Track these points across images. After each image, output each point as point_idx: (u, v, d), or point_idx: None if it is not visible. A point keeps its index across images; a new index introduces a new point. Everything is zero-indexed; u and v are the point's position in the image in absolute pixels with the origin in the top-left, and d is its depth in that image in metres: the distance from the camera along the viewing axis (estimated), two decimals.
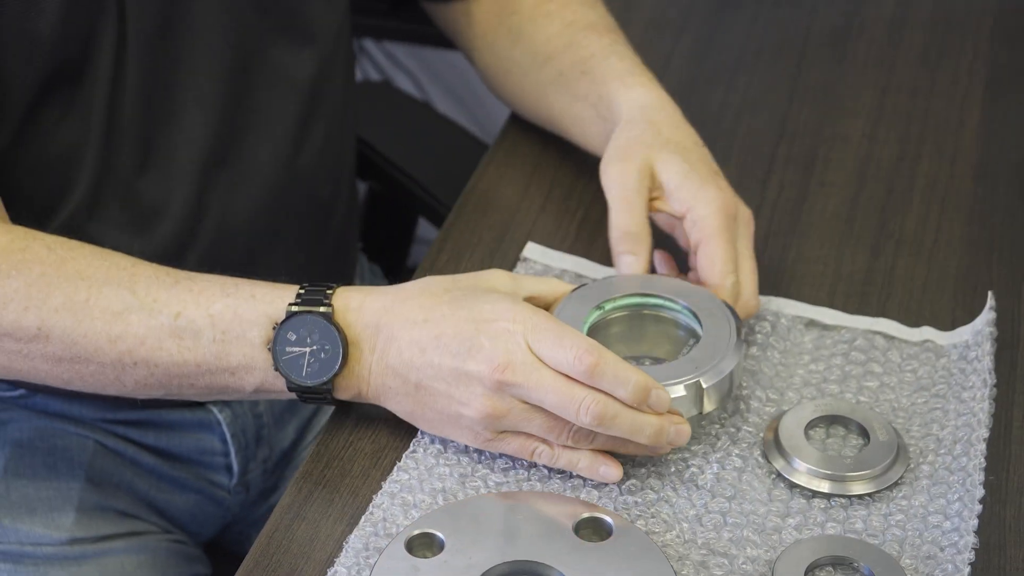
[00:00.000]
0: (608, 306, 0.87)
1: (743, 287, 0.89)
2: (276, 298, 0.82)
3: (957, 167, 1.11)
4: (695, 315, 0.85)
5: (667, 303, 0.87)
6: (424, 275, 0.97)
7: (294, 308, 0.81)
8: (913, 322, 0.94)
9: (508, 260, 0.99)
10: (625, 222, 0.91)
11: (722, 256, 0.88)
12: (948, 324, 0.93)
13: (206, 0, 0.94)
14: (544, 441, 0.80)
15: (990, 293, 0.93)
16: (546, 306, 0.86)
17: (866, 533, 0.78)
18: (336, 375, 0.80)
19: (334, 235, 1.12)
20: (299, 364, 0.80)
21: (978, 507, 0.79)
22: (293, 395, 0.82)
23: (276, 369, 0.81)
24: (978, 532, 0.77)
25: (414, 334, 0.80)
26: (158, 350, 0.82)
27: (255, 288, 0.83)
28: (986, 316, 0.91)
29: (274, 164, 1.02)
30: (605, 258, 0.98)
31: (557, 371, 0.77)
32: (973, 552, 0.76)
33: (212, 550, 1.11)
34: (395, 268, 1.28)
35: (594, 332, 0.85)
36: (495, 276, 0.85)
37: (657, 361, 0.89)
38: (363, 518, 0.79)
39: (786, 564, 0.74)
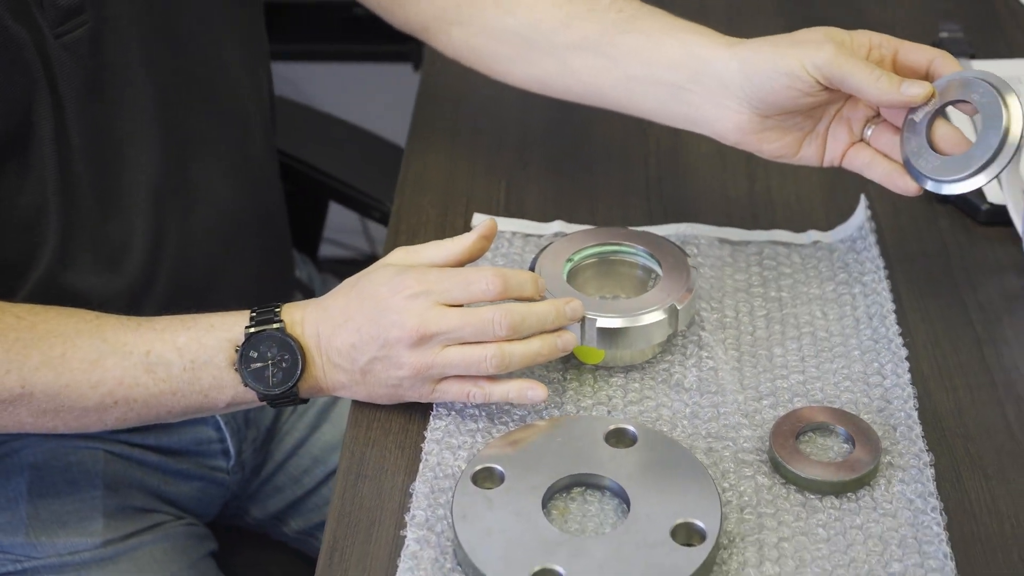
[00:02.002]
0: (576, 257, 0.96)
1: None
2: (233, 324, 0.88)
3: None
4: (652, 256, 0.96)
5: (627, 249, 0.97)
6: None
7: (251, 330, 0.87)
8: (799, 229, 1.07)
9: (458, 230, 1.07)
10: (871, 66, 0.88)
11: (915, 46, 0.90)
12: (827, 227, 1.07)
13: (127, 53, 0.96)
14: (475, 383, 0.86)
15: (863, 195, 1.07)
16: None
17: (826, 400, 0.90)
18: (298, 380, 0.87)
19: (277, 239, 1.17)
20: (264, 376, 0.87)
21: (906, 364, 0.92)
22: (263, 403, 0.89)
23: (245, 385, 0.87)
24: (912, 383, 0.91)
25: (342, 335, 0.86)
26: (135, 387, 0.87)
27: (211, 319, 0.89)
28: (863, 212, 1.05)
29: (220, 186, 1.06)
30: (541, 216, 1.08)
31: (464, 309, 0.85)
32: (914, 401, 0.90)
33: (212, 527, 1.16)
34: (314, 250, 1.34)
35: (570, 279, 0.95)
36: (394, 254, 0.90)
37: (628, 298, 0.97)
38: (420, 466, 0.86)
39: (779, 429, 0.86)
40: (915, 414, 0.88)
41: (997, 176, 0.87)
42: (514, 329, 0.85)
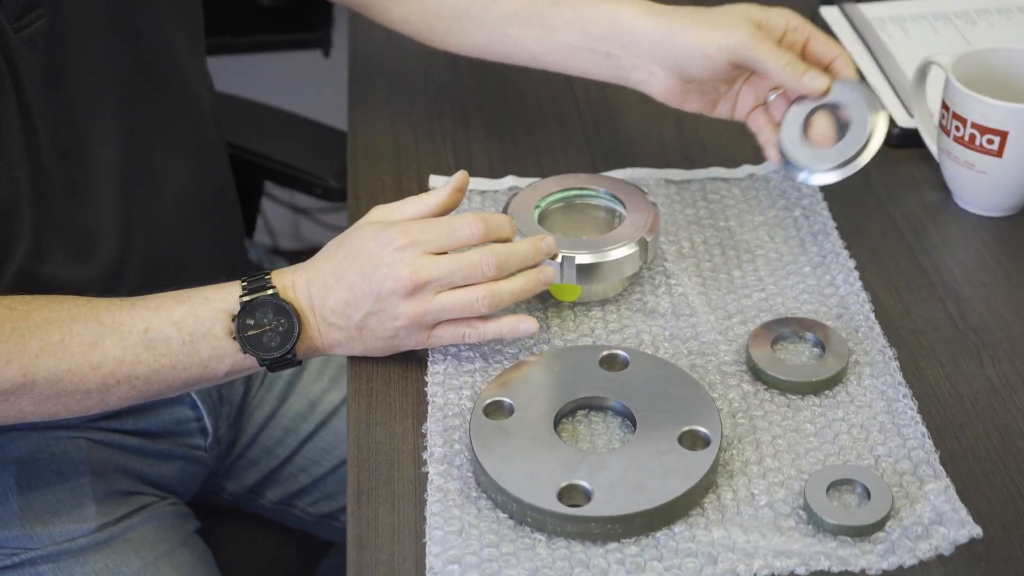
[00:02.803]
0: (543, 203, 1.00)
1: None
2: (226, 295, 0.89)
3: None
4: (615, 197, 1.00)
5: (591, 192, 1.01)
6: (352, 223, 1.08)
7: (245, 299, 0.88)
8: (733, 165, 1.13)
9: (416, 192, 1.10)
10: (780, 51, 0.96)
11: (825, 40, 0.98)
12: (757, 161, 1.13)
13: (85, 45, 0.97)
14: (469, 324, 0.89)
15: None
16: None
17: (788, 312, 0.96)
18: (297, 341, 0.88)
19: (233, 220, 1.18)
20: (263, 341, 0.88)
21: (856, 273, 0.99)
22: (263, 368, 0.90)
23: (244, 352, 0.88)
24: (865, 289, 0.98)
25: (335, 294, 0.88)
26: (136, 364, 0.88)
27: (204, 292, 0.90)
28: None
29: (180, 171, 1.07)
30: (492, 173, 1.12)
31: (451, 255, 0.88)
32: (870, 304, 0.97)
33: (190, 506, 1.17)
34: (250, 233, 1.36)
35: (540, 224, 0.99)
36: (372, 213, 0.92)
37: (599, 236, 1.00)
38: (428, 408, 0.89)
39: (755, 340, 0.92)
40: (872, 316, 0.95)
41: (844, 177, 0.98)
42: (500, 268, 0.88)
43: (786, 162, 0.98)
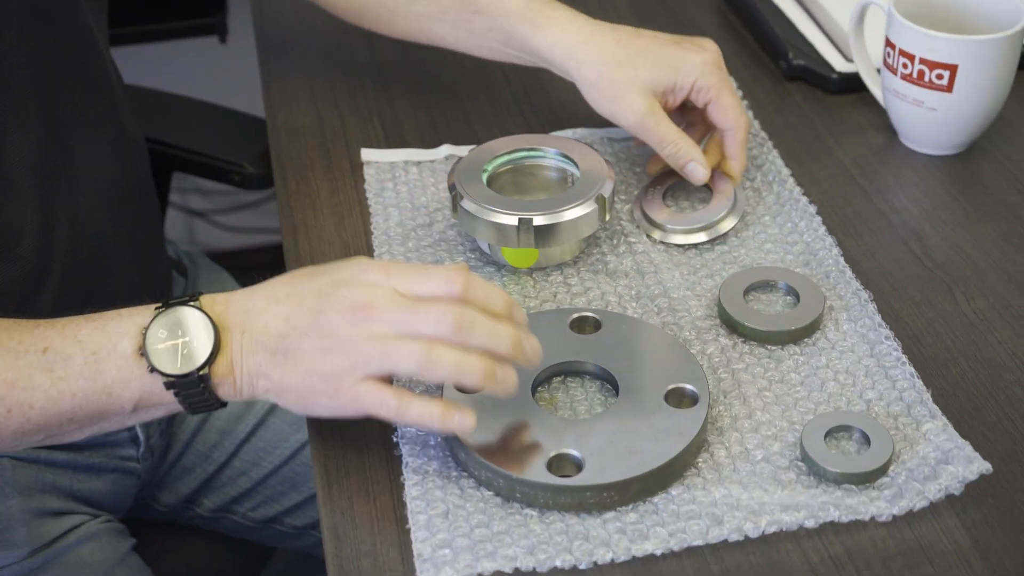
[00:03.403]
0: (491, 167, 0.95)
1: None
2: (143, 310, 0.77)
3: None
4: (567, 156, 0.95)
5: (539, 152, 0.96)
6: (283, 204, 1.02)
7: (161, 308, 0.76)
8: None
9: (347, 169, 1.04)
10: (669, 138, 0.95)
11: (724, 110, 0.96)
12: None
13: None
14: (395, 394, 0.74)
15: (730, 77, 1.10)
16: None
17: (755, 262, 0.93)
18: (211, 361, 0.74)
19: (154, 213, 1.11)
20: (172, 357, 0.74)
21: (818, 218, 0.96)
22: (174, 401, 0.76)
23: (151, 371, 0.74)
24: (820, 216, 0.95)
25: (278, 308, 0.75)
26: (30, 389, 0.75)
27: (121, 310, 0.78)
28: None
29: (101, 162, 0.99)
30: (426, 143, 1.06)
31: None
32: (837, 249, 0.94)
33: (124, 520, 1.09)
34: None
35: (490, 187, 0.94)
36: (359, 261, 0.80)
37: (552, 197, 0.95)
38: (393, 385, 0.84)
39: (726, 292, 0.88)
40: (842, 260, 0.92)
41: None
42: (458, 329, 0.73)
43: (649, 219, 0.96)
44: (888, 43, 1.02)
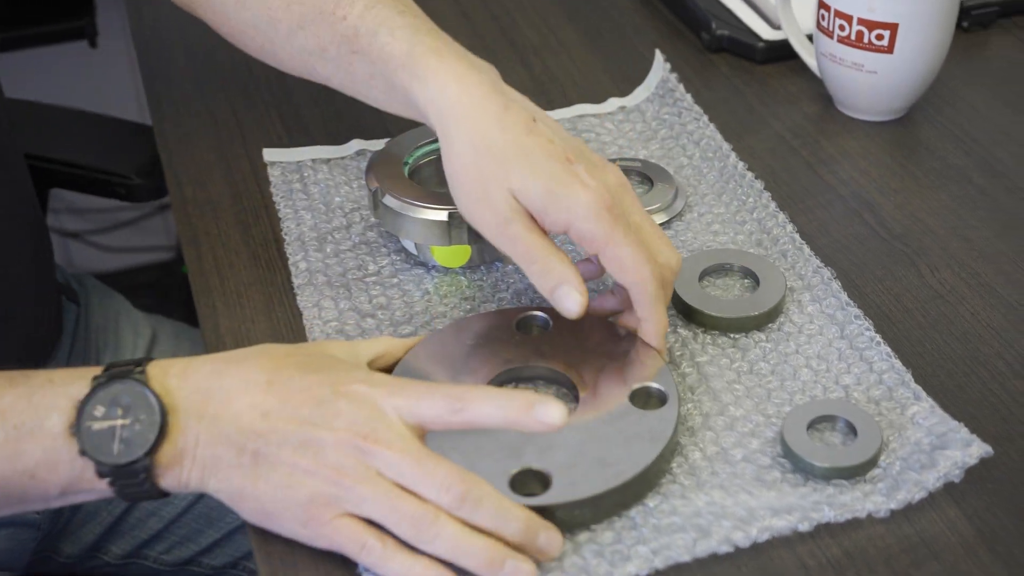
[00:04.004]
0: (411, 159, 0.87)
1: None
2: (78, 377, 0.66)
3: None
4: None
5: None
6: (180, 213, 0.92)
7: (100, 379, 0.65)
8: (598, 100, 1.02)
9: (249, 170, 0.95)
10: (535, 254, 0.73)
11: (629, 254, 0.72)
12: (622, 92, 1.03)
13: None
14: (379, 537, 0.64)
15: (657, 51, 1.04)
16: (390, 363, 0.74)
17: (704, 245, 0.86)
18: (155, 448, 0.64)
19: (41, 236, 1.00)
20: (108, 441, 0.63)
21: (767, 194, 0.90)
22: (106, 487, 0.65)
23: (83, 454, 0.64)
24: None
25: (256, 398, 0.65)
26: None
27: (52, 374, 0.67)
28: (661, 67, 1.02)
29: None
30: (334, 139, 0.98)
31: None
32: (792, 225, 0.87)
33: None
34: None
35: (412, 179, 0.85)
36: (330, 345, 0.72)
37: None
38: None
39: (680, 279, 0.81)
40: (798, 237, 0.86)
41: None
42: (462, 501, 0.63)
43: None
44: (822, 5, 0.96)
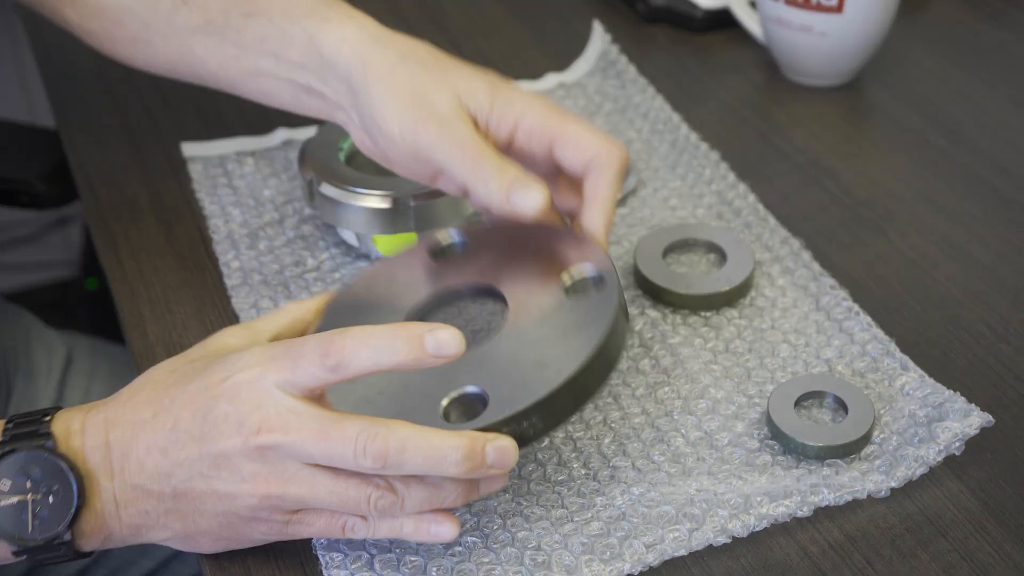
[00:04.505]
0: (346, 145, 0.81)
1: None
2: None
3: None
4: None
5: None
6: (94, 218, 0.86)
7: (4, 446, 0.59)
8: (535, 76, 0.97)
9: (167, 168, 0.88)
10: (487, 165, 0.66)
11: (588, 130, 0.68)
12: (560, 67, 0.98)
13: None
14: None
15: (596, 21, 0.99)
16: (301, 331, 0.67)
17: (664, 220, 0.82)
18: (74, 520, 0.58)
19: None
20: (21, 519, 0.58)
21: (725, 164, 0.86)
22: (18, 561, 0.60)
23: None
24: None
25: (148, 437, 0.59)
26: None
27: None
28: (601, 39, 0.97)
29: None
30: (256, 129, 0.91)
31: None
32: (754, 196, 0.83)
33: None
34: None
35: (349, 165, 0.80)
36: (225, 335, 0.65)
37: None
38: None
39: (643, 257, 0.77)
40: (761, 207, 0.82)
41: None
42: (384, 459, 0.56)
43: None
44: None
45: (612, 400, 0.69)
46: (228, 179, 0.86)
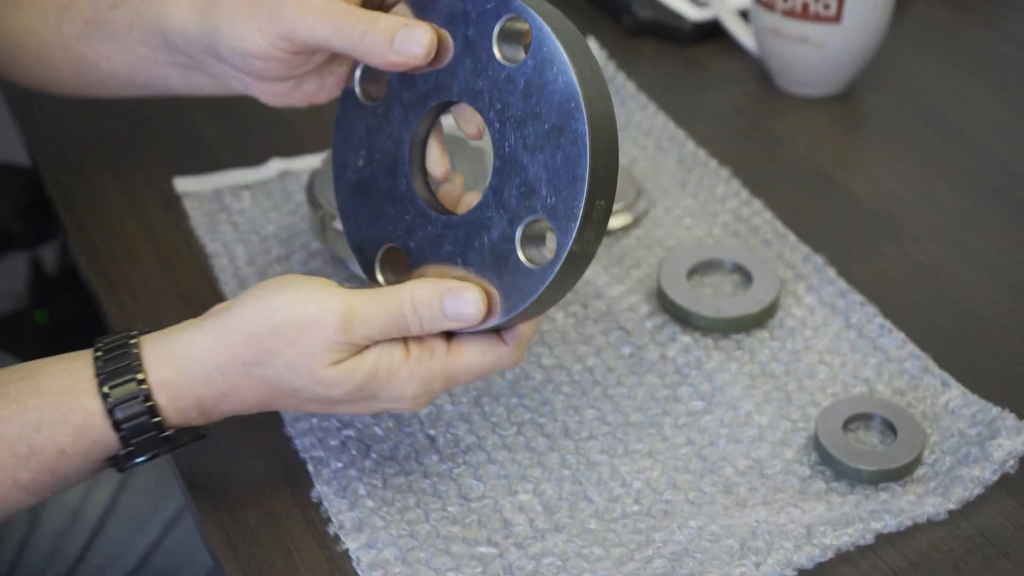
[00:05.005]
0: None
1: None
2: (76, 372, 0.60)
3: None
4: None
5: None
6: (89, 261, 0.82)
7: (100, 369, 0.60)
8: None
9: (160, 204, 0.85)
10: (366, 23, 0.61)
11: None
12: None
13: None
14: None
15: (590, 36, 0.98)
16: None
17: (680, 241, 0.81)
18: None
19: None
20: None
21: (736, 180, 0.85)
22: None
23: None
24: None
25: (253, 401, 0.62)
26: None
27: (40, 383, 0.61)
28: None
29: None
30: (250, 160, 0.88)
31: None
32: (770, 212, 0.83)
33: None
34: None
35: None
36: (287, 294, 0.61)
37: None
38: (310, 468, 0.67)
39: (668, 281, 0.75)
40: (780, 224, 0.81)
41: None
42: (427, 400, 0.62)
43: None
44: None
45: (655, 430, 0.68)
46: (228, 215, 0.83)
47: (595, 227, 0.57)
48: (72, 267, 1.65)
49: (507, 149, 0.58)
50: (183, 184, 0.86)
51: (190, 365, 0.60)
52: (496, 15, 0.59)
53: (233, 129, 0.93)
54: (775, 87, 0.97)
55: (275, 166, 0.87)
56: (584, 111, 0.56)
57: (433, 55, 0.61)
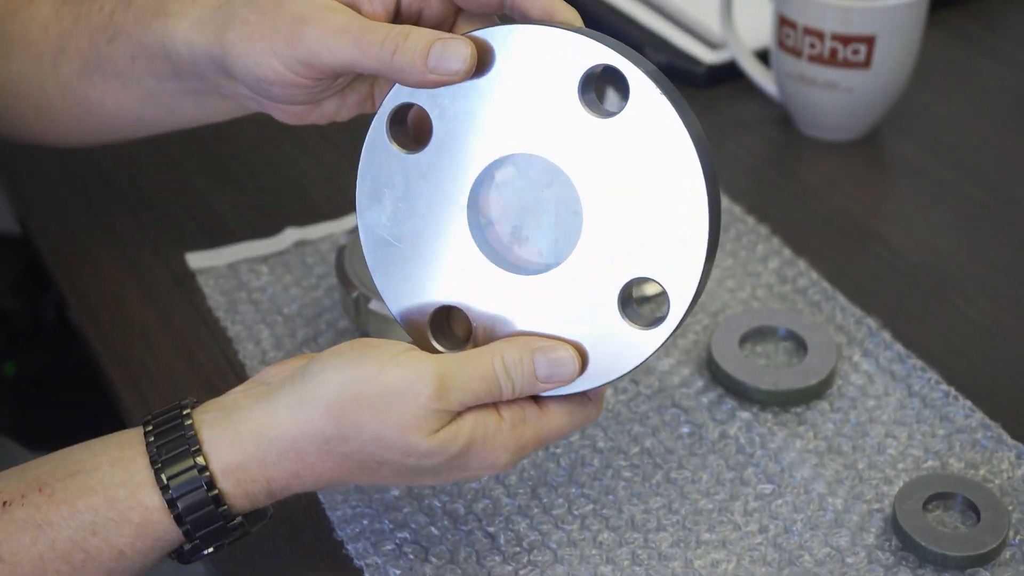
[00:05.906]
0: None
1: None
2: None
3: None
4: None
5: None
6: (102, 347, 0.78)
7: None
8: None
9: (170, 282, 0.81)
10: (388, 32, 0.57)
11: None
12: None
13: None
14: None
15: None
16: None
17: (725, 305, 0.78)
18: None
19: None
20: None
21: (776, 238, 0.82)
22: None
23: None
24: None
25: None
26: None
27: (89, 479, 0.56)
28: None
29: None
30: (262, 232, 0.84)
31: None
32: (815, 272, 0.80)
33: None
34: None
35: None
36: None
37: None
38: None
39: (720, 352, 0.72)
40: (827, 285, 0.78)
41: None
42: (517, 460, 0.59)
43: None
44: (785, 23, 0.89)
45: (725, 517, 0.65)
46: (247, 292, 0.79)
47: (702, 288, 0.56)
48: (42, 319, 1.60)
49: (607, 202, 0.55)
50: (196, 259, 0.82)
51: (262, 446, 0.56)
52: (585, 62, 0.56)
53: (242, 198, 0.88)
54: (797, 131, 0.94)
55: (290, 235, 0.83)
56: (700, 166, 0.54)
57: (473, 70, 0.56)
